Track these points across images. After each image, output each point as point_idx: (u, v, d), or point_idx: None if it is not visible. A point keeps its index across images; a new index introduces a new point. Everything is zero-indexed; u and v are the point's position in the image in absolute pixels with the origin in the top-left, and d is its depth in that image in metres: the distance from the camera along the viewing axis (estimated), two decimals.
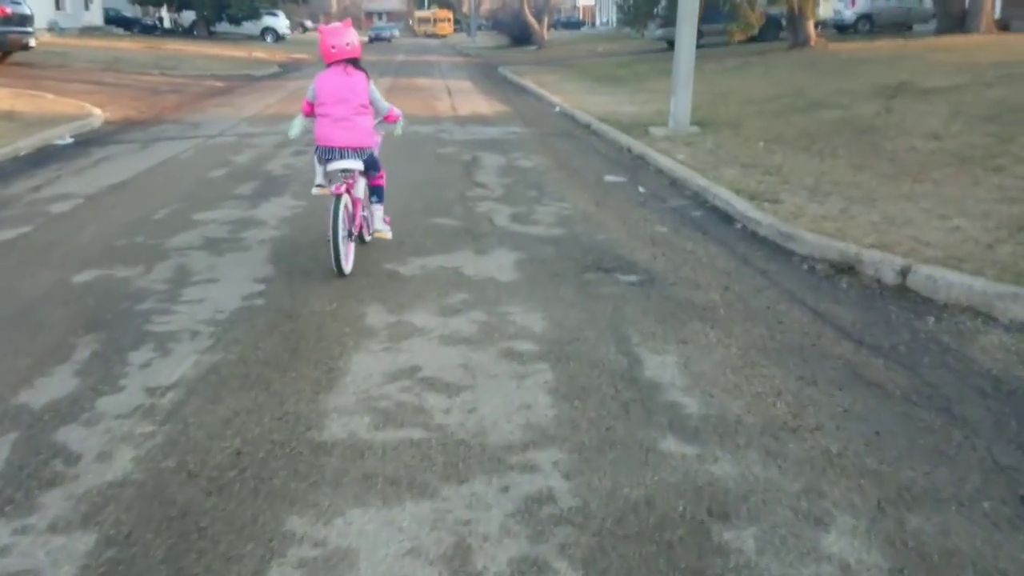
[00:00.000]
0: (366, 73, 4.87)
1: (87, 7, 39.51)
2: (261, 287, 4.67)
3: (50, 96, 13.84)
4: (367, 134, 4.85)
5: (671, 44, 26.76)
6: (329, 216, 4.62)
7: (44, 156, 9.41)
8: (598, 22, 71.31)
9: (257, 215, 6.41)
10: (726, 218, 6.49)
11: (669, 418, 3.15)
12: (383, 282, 4.80)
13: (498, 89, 19.28)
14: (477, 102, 15.90)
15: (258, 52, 33.15)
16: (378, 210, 5.19)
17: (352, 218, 4.91)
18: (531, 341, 3.91)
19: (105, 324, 4.10)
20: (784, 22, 23.36)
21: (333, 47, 4.76)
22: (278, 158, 9.15)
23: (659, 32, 28.18)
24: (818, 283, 4.86)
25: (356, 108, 4.76)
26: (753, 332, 4.06)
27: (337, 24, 4.97)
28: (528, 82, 19.87)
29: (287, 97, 16.52)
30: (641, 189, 7.69)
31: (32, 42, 18.27)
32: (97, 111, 12.77)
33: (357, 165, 4.81)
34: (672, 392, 3.39)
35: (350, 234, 4.92)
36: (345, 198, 4.75)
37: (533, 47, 37.89)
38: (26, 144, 9.73)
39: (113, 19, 42.51)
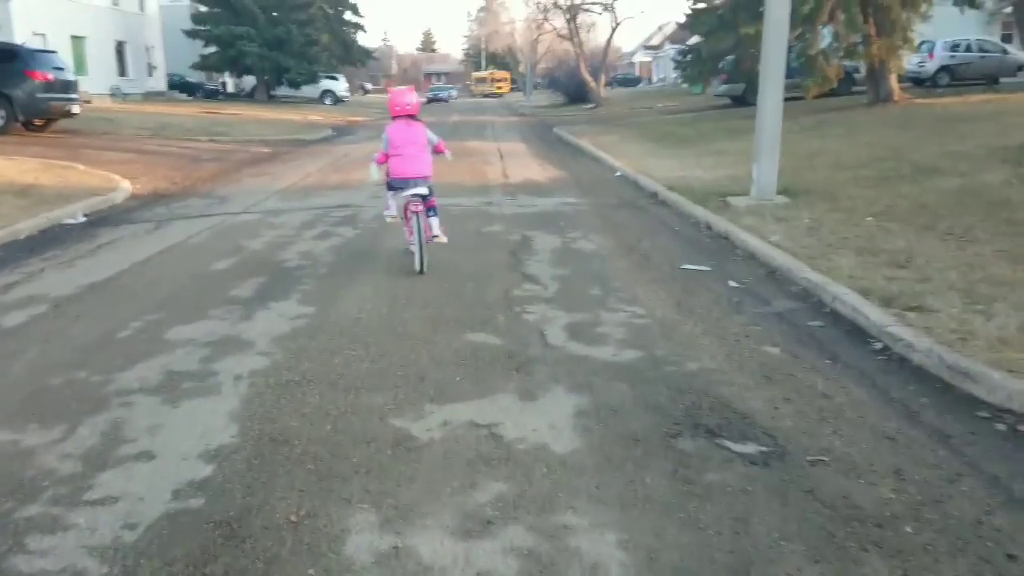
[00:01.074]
0: (423, 123, 6.60)
1: (151, 73, 40.31)
2: (208, 470, 3.20)
3: (81, 167, 13.07)
4: (429, 167, 6.53)
5: (735, 100, 25.81)
6: (413, 228, 6.37)
7: (44, 240, 8.37)
8: (655, 78, 70.74)
9: (246, 332, 5.00)
10: (857, 332, 4.89)
11: None
12: (384, 456, 3.31)
13: (553, 151, 18.04)
14: (530, 167, 14.62)
15: (314, 115, 32.99)
16: (435, 221, 6.50)
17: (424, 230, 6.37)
18: None
19: None
20: (858, 76, 21.75)
21: (397, 105, 6.50)
22: (297, 243, 7.87)
23: (723, 88, 26.97)
24: None
25: (421, 147, 6.45)
26: None
27: (402, 88, 6.97)
28: (585, 143, 18.61)
29: (330, 165, 15.54)
30: (732, 283, 6.14)
31: (76, 109, 17.83)
32: (125, 184, 11.91)
33: (425, 190, 6.42)
34: None
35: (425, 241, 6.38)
36: (419, 215, 6.33)
37: (590, 105, 36.97)
38: (28, 226, 8.72)
39: (176, 85, 43.22)
